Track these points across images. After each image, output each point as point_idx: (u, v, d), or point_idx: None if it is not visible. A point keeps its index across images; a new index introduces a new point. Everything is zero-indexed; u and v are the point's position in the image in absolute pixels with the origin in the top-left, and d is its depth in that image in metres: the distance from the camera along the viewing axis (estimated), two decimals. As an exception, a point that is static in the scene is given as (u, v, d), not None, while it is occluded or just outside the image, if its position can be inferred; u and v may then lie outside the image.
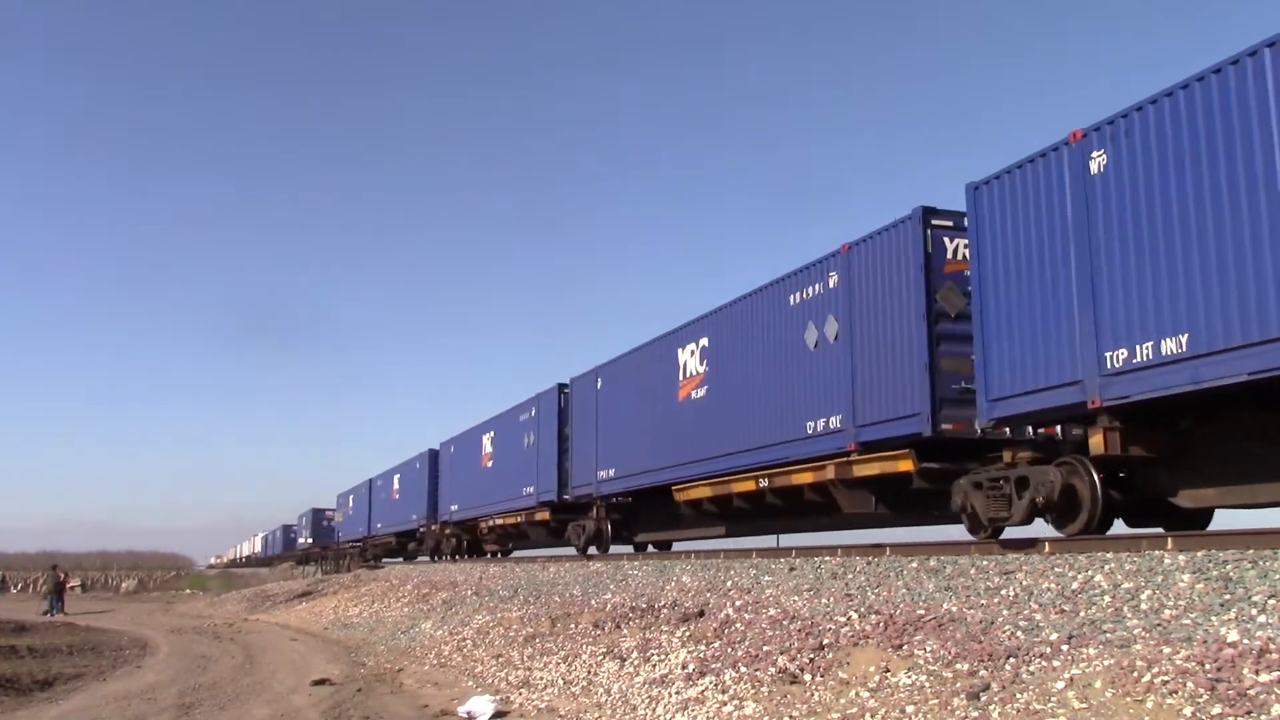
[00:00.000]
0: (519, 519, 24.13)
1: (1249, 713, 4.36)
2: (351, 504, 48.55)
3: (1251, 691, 4.48)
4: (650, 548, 20.76)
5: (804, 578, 10.14)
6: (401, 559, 41.14)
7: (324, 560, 54.22)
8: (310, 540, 57.80)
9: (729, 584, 10.80)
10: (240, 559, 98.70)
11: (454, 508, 30.06)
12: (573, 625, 11.51)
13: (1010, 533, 10.47)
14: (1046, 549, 9.11)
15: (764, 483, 13.81)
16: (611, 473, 18.99)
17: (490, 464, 26.65)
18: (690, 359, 16.20)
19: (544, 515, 22.54)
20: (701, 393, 15.73)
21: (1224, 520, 10.15)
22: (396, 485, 38.45)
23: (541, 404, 23.03)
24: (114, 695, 12.10)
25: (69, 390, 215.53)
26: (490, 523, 26.45)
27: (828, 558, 11.71)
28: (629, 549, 20.95)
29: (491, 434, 26.81)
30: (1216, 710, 4.44)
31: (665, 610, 10.14)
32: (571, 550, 21.82)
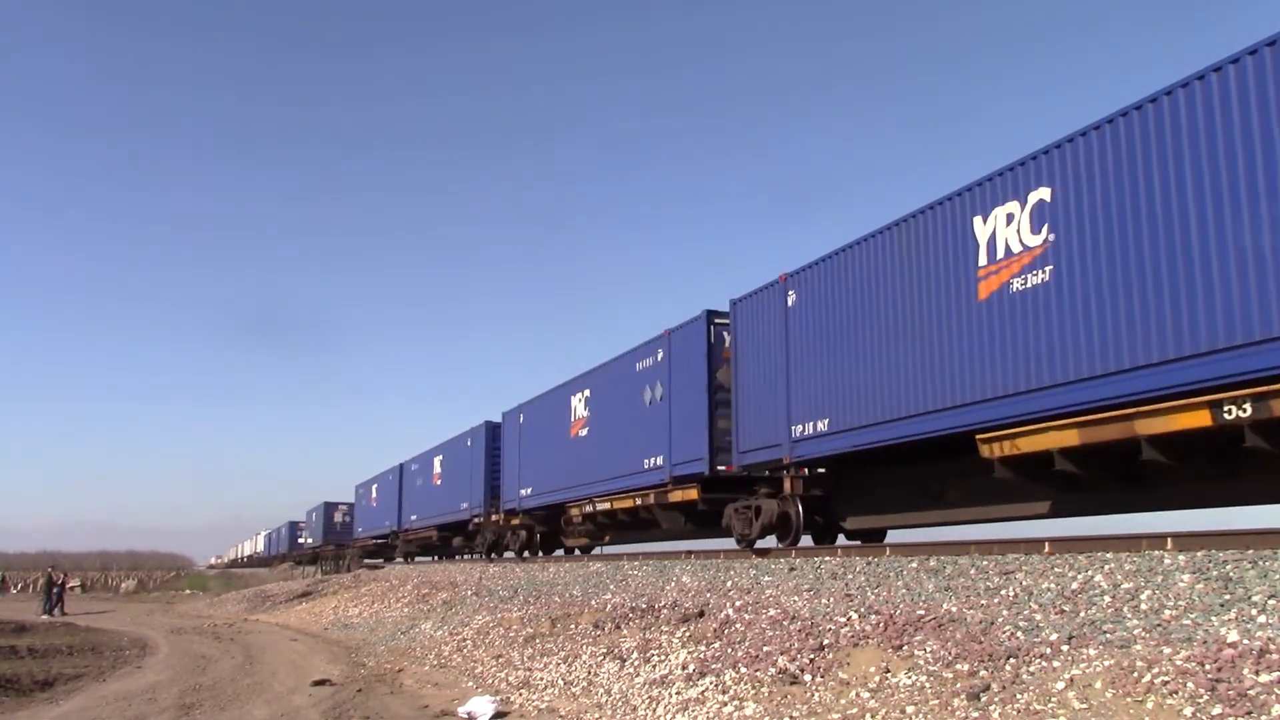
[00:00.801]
0: (639, 501, 17.62)
1: (1249, 713, 4.36)
2: (375, 494, 42.23)
3: (1251, 692, 4.49)
4: (841, 538, 14.84)
5: (804, 578, 10.14)
6: (436, 557, 36.42)
7: (324, 560, 53.25)
8: (321, 538, 52.95)
9: (729, 584, 10.80)
10: (241, 559, 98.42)
11: (525, 492, 23.66)
12: (573, 625, 11.52)
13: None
14: (1046, 549, 9.11)
15: (1239, 410, 7.74)
16: (822, 425, 12.80)
17: (585, 432, 20.36)
18: (1011, 230, 10.06)
19: (688, 494, 16.01)
20: (1042, 275, 9.61)
21: (1224, 520, 10.12)
22: (438, 469, 32.04)
23: (676, 345, 16.77)
24: (114, 695, 12.10)
25: (69, 390, 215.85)
26: (587, 509, 19.84)
27: (828, 558, 11.71)
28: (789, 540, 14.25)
29: (585, 393, 20.40)
30: (1217, 710, 4.45)
31: (665, 610, 10.14)
32: (729, 543, 15.48)
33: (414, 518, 34.97)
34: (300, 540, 61.81)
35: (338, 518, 51.30)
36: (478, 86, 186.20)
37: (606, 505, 18.96)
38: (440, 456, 32.00)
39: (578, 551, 23.67)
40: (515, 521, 24.68)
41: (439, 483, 31.89)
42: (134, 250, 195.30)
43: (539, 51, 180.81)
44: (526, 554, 24.80)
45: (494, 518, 25.92)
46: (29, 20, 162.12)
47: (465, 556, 31.83)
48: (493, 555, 27.00)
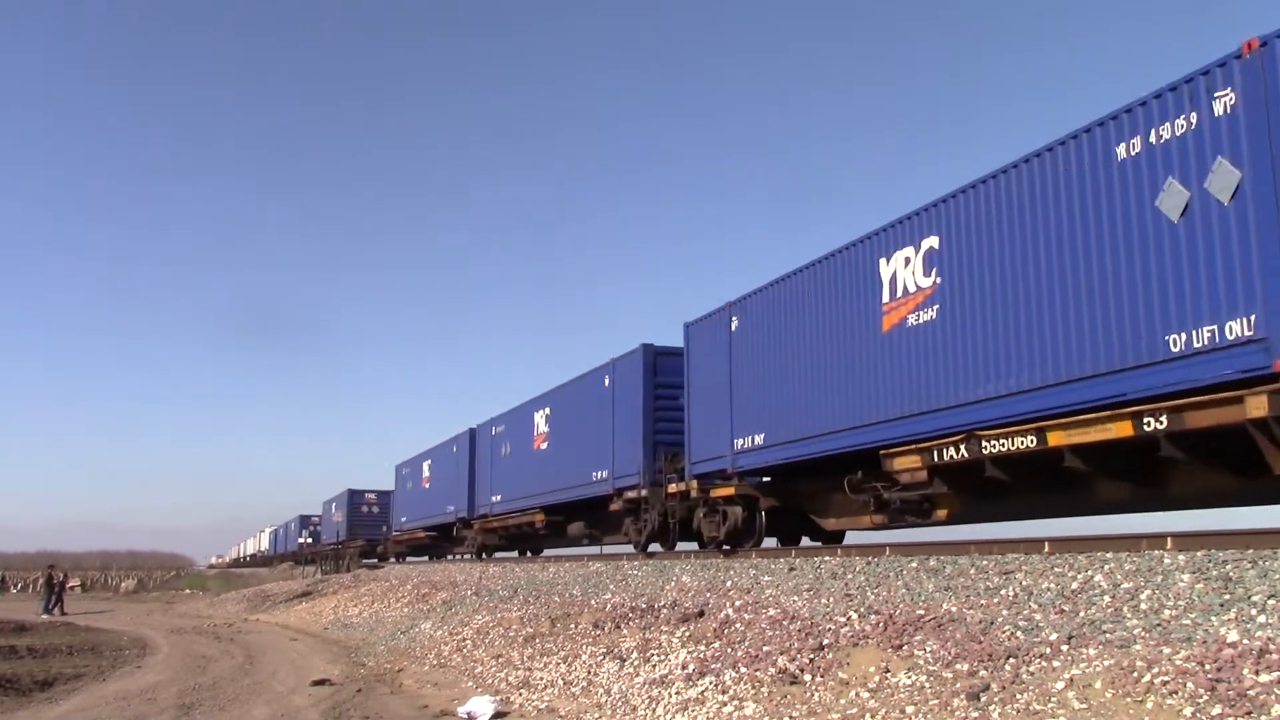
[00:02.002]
0: (1160, 422, 8.53)
1: (1249, 713, 4.36)
2: (428, 473, 33.71)
3: (1251, 692, 4.48)
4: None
5: (804, 578, 10.15)
6: (524, 552, 27.69)
7: (324, 560, 51.94)
8: (345, 532, 44.84)
9: (729, 584, 10.81)
10: (244, 558, 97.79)
11: (748, 442, 14.55)
12: (572, 625, 11.52)
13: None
14: (1046, 549, 9.11)
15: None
16: None
17: (929, 315, 11.25)
18: None
19: None
20: None
21: (1224, 520, 10.09)
22: (543, 427, 23.18)
23: None
24: (114, 695, 12.10)
25: (69, 390, 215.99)
26: (949, 453, 10.84)
27: (827, 558, 11.72)
28: None
29: (927, 244, 11.36)
30: (1216, 710, 4.44)
31: (665, 610, 10.14)
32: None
33: (497, 498, 26.55)
34: (302, 540, 57.89)
35: (365, 508, 44.52)
36: (478, 86, 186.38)
37: (1023, 440, 9.94)
38: (545, 410, 23.20)
39: (813, 538, 15.89)
40: (725, 492, 15.41)
41: (544, 446, 23.05)
42: (134, 250, 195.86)
43: (540, 52, 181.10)
44: (748, 540, 15.32)
45: (673, 488, 16.79)
46: (28, 19, 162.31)
47: (582, 547, 22.44)
48: (650, 548, 18.07)
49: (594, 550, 22.01)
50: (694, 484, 16.21)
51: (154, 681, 13.41)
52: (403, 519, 37.70)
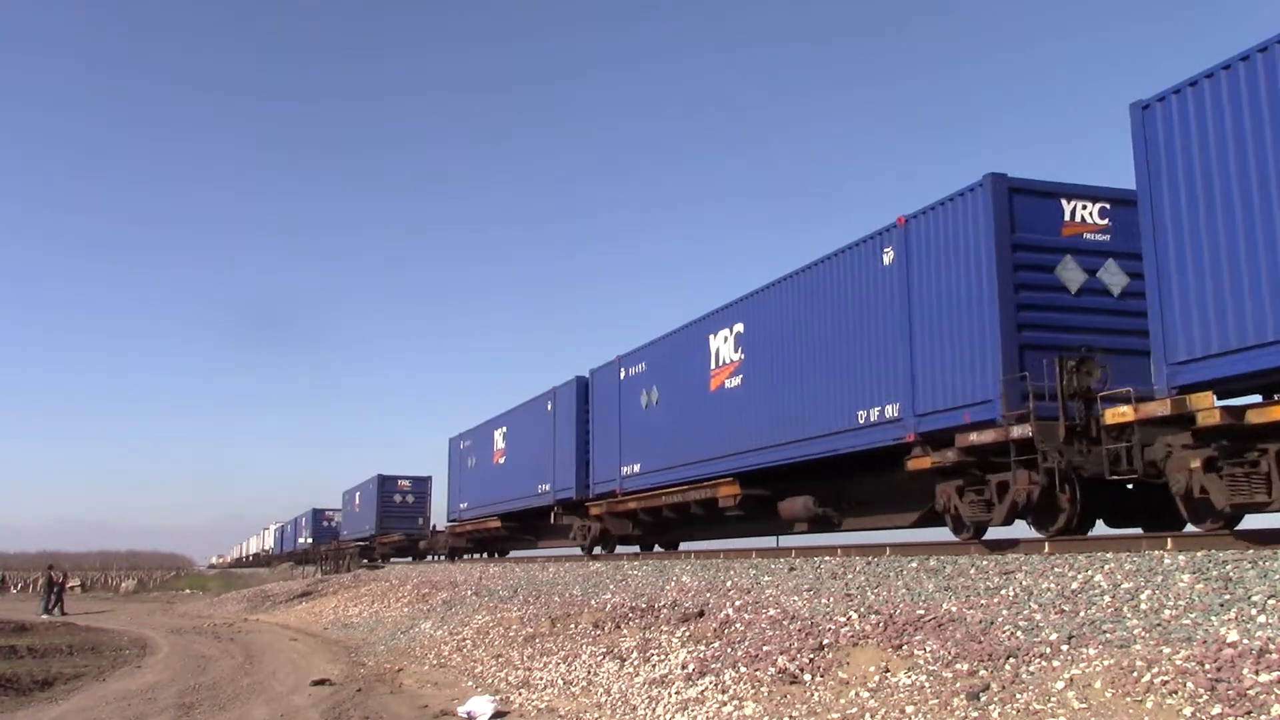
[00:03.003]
0: None
1: (1249, 713, 4.36)
2: (501, 444, 26.32)
3: (1251, 691, 4.48)
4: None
5: (804, 578, 10.15)
6: (660, 546, 20.11)
7: (324, 560, 51.22)
8: (374, 524, 39.19)
9: (729, 584, 10.81)
10: (246, 557, 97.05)
11: None
12: (572, 625, 11.52)
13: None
14: (1046, 549, 9.11)
15: None
16: None
17: None
18: None
19: None
20: None
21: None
22: (732, 354, 15.19)
23: None
24: (114, 695, 12.09)
25: (69, 390, 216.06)
26: None
27: (828, 558, 11.72)
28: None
29: None
30: (1216, 710, 4.44)
31: (665, 610, 10.14)
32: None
33: (632, 469, 18.47)
34: (302, 540, 56.14)
35: (398, 497, 38.92)
36: (477, 86, 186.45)
37: None
38: (735, 327, 15.25)
39: None
40: None
41: (734, 384, 15.14)
42: (134, 250, 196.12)
43: (538, 51, 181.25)
44: None
45: (1117, 415, 8.82)
46: (29, 19, 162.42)
47: (797, 534, 14.87)
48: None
49: (853, 539, 13.78)
50: (1204, 400, 8.02)
51: (154, 681, 13.41)
52: (462, 505, 29.73)
